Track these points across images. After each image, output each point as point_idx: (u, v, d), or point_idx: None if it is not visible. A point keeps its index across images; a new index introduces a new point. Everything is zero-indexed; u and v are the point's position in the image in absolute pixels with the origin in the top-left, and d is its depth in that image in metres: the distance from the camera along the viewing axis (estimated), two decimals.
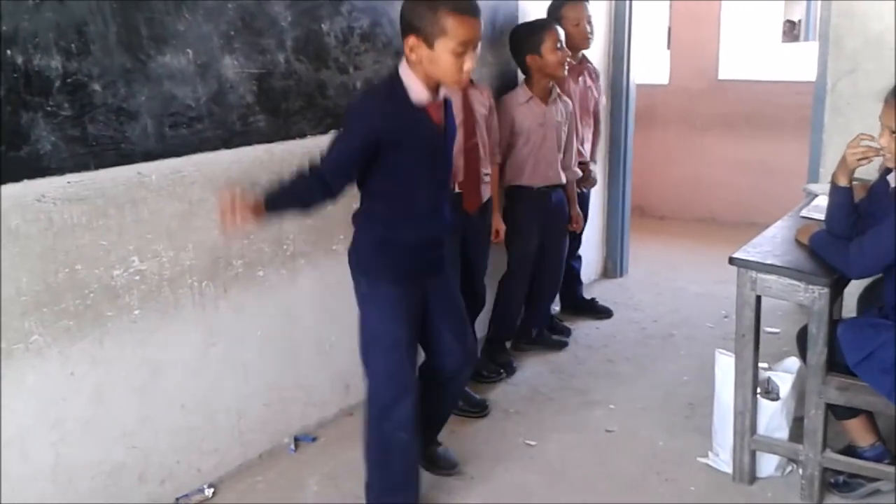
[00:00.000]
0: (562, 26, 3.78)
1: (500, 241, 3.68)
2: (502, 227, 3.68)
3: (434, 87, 2.35)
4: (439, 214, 2.51)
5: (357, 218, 2.53)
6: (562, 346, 4.12)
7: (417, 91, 2.32)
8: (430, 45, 2.23)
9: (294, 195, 2.41)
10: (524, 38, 3.68)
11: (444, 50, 2.22)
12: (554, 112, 3.77)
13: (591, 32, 4.02)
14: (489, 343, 3.91)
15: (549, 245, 3.91)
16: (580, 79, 4.11)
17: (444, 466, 2.96)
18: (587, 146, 4.20)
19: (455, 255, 3.17)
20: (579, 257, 4.57)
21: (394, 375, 2.49)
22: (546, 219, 3.84)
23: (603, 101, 4.46)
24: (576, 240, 4.42)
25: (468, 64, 2.25)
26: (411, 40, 2.25)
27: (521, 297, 3.91)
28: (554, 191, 3.85)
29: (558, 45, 3.61)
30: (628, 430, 3.28)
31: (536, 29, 3.67)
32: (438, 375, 2.68)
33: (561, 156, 3.84)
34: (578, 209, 4.09)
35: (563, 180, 3.87)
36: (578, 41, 3.96)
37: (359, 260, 2.52)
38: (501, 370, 3.76)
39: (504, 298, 3.89)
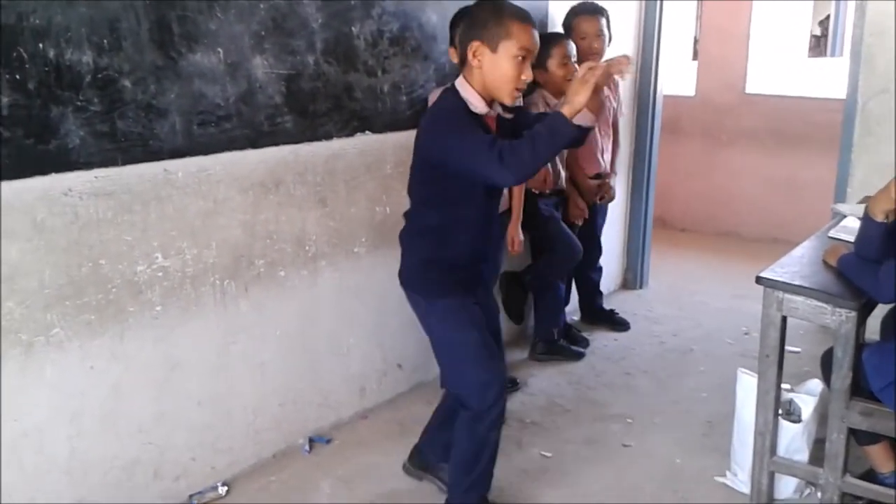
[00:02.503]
0: (573, 38, 3.83)
1: (516, 253, 3.58)
2: (519, 238, 3.55)
3: (489, 101, 2.38)
4: (490, 228, 2.55)
5: (405, 236, 2.56)
6: (579, 356, 4.09)
7: (476, 102, 2.36)
8: (494, 49, 2.29)
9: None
10: None
11: (506, 53, 2.29)
12: None
13: (602, 47, 3.94)
14: (544, 342, 4.03)
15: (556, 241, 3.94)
16: None
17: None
18: (606, 157, 4.16)
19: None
20: (600, 268, 4.54)
21: (484, 379, 2.50)
22: (551, 219, 3.87)
23: (623, 111, 4.41)
24: (596, 248, 4.41)
25: (526, 73, 2.32)
26: (475, 45, 2.31)
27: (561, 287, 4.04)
28: (558, 194, 3.90)
29: (565, 61, 3.59)
30: (645, 445, 3.25)
31: (544, 43, 3.54)
32: None
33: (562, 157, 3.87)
34: (582, 202, 4.06)
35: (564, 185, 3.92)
36: (582, 55, 3.91)
37: (410, 279, 2.56)
38: (517, 380, 3.74)
39: (547, 292, 3.98)
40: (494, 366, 2.54)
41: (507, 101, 2.38)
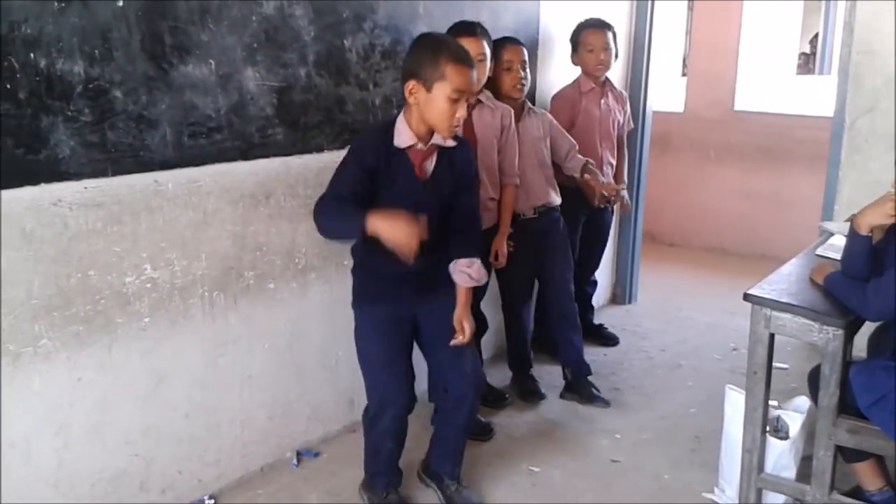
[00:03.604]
0: (580, 51, 3.93)
1: (499, 265, 3.48)
2: (503, 251, 3.45)
3: (426, 135, 2.50)
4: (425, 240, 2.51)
5: (353, 247, 2.72)
6: (603, 404, 3.74)
7: (402, 134, 2.49)
8: (429, 90, 2.40)
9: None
10: None
11: (441, 94, 2.39)
12: (529, 128, 3.61)
13: (609, 60, 4.00)
14: (514, 375, 3.91)
15: (549, 271, 3.74)
16: (602, 101, 4.11)
17: None
18: (607, 170, 4.15)
19: None
20: (594, 282, 4.56)
21: (376, 389, 2.71)
22: (540, 244, 3.67)
23: (632, 125, 4.44)
24: (594, 260, 4.43)
25: (461, 112, 2.43)
26: (411, 84, 2.44)
27: (523, 323, 3.84)
28: (545, 215, 3.69)
29: (508, 65, 3.47)
30: (633, 460, 3.25)
31: (493, 47, 3.42)
32: (446, 402, 2.78)
33: (547, 172, 3.68)
34: (603, 180, 3.81)
35: (553, 201, 3.70)
36: (590, 67, 4.01)
37: (352, 288, 2.74)
38: (506, 395, 3.73)
39: (509, 330, 3.87)
40: (386, 381, 2.68)
41: (446, 135, 2.50)
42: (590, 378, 3.83)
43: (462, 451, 2.90)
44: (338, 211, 2.42)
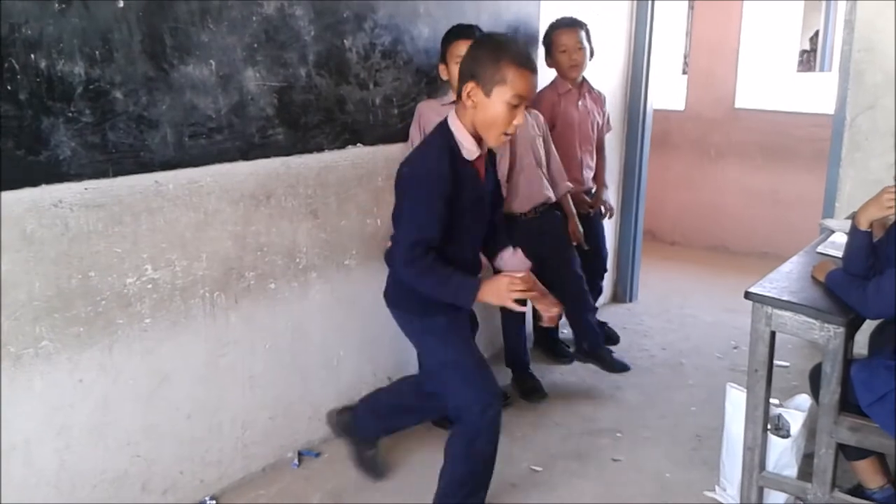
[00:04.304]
0: (553, 52, 3.91)
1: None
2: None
3: (479, 139, 2.40)
4: (467, 263, 2.52)
5: (389, 256, 2.57)
6: (623, 368, 3.95)
7: (469, 147, 2.38)
8: (488, 94, 2.29)
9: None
10: None
11: (499, 99, 2.28)
12: (527, 127, 3.60)
13: (583, 59, 3.94)
14: (514, 375, 3.91)
15: (553, 260, 3.72)
16: (579, 103, 4.04)
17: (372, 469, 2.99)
18: (587, 173, 4.12)
19: None
20: (600, 288, 4.56)
21: (476, 395, 2.51)
22: (540, 242, 3.62)
23: (610, 127, 4.39)
24: (599, 260, 4.40)
25: (518, 118, 2.32)
26: (470, 86, 2.32)
27: (517, 324, 3.85)
28: (544, 215, 3.71)
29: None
30: (635, 459, 3.25)
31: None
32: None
33: (545, 170, 3.70)
34: (578, 223, 3.92)
35: (552, 197, 3.72)
36: (564, 69, 3.96)
37: (398, 298, 2.59)
38: (507, 396, 3.73)
39: (506, 329, 3.87)
40: (491, 383, 2.55)
41: (493, 144, 2.43)
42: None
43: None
44: (442, 282, 2.35)
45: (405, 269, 2.37)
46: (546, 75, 3.96)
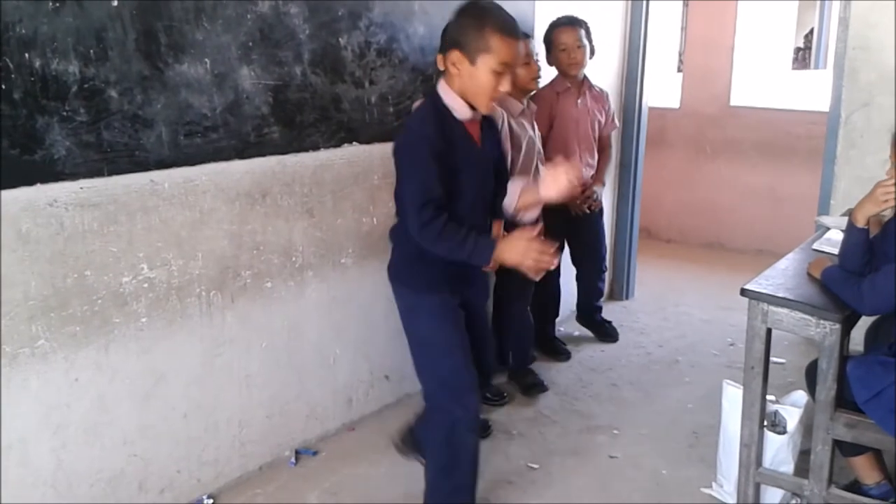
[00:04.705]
0: (553, 51, 3.96)
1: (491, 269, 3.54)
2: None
3: (471, 105, 2.39)
4: (482, 226, 2.50)
5: (395, 232, 2.56)
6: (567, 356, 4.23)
7: (460, 108, 2.38)
8: (473, 62, 2.29)
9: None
10: None
11: (485, 67, 2.28)
12: (527, 128, 3.62)
13: (583, 58, 3.96)
14: (513, 371, 3.90)
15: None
16: (578, 101, 4.05)
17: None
18: (587, 171, 4.12)
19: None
20: (604, 279, 4.61)
21: (453, 379, 2.49)
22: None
23: (616, 125, 4.41)
24: (598, 257, 4.44)
25: (505, 86, 2.32)
26: (454, 55, 2.32)
27: (528, 319, 3.88)
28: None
29: (527, 60, 3.50)
30: (632, 456, 3.25)
31: None
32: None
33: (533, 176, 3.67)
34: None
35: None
36: (563, 66, 3.97)
37: (399, 273, 2.57)
38: (505, 394, 3.73)
39: (515, 325, 3.85)
40: (461, 369, 2.50)
41: (484, 111, 2.41)
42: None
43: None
44: (458, 242, 2.29)
45: (421, 233, 2.30)
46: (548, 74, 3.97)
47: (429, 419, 2.60)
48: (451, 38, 2.33)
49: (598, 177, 4.24)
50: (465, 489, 2.60)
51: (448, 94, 2.37)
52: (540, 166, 3.65)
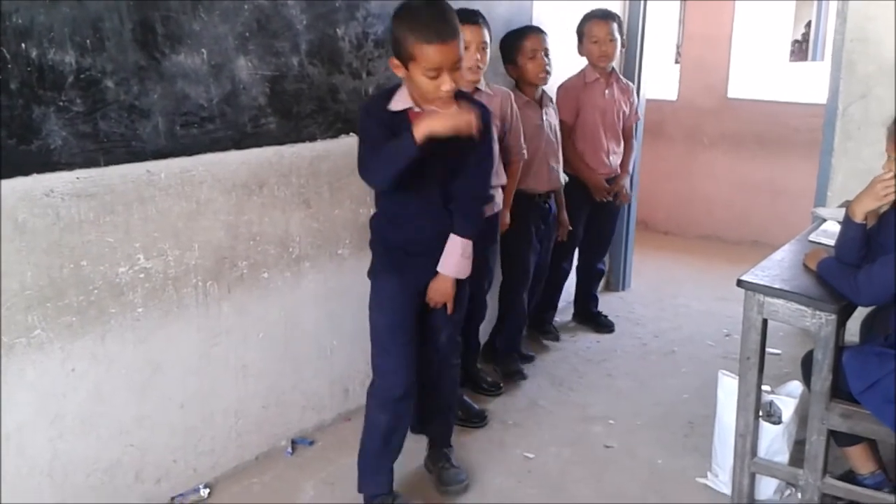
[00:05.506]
0: (585, 42, 4.05)
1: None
2: (505, 225, 3.54)
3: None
4: (427, 219, 2.55)
5: (370, 220, 2.69)
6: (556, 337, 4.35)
7: (397, 99, 2.46)
8: (406, 67, 2.36)
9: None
10: (503, 48, 3.68)
11: (416, 72, 2.33)
12: (550, 116, 3.79)
13: (614, 51, 4.06)
14: (499, 354, 3.92)
15: (541, 250, 3.93)
16: (606, 92, 4.14)
17: (449, 483, 2.93)
18: (613, 158, 4.22)
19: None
20: (602, 270, 4.71)
21: (390, 364, 2.64)
22: (543, 225, 3.86)
23: (638, 116, 4.51)
24: (603, 244, 4.56)
25: (445, 86, 2.32)
26: (393, 61, 2.41)
27: (524, 306, 3.89)
28: (550, 197, 3.87)
29: (533, 54, 3.59)
30: (627, 446, 3.26)
31: (512, 38, 3.66)
32: (429, 367, 2.79)
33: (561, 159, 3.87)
34: (566, 216, 4.03)
35: (562, 183, 3.91)
36: (594, 58, 4.07)
37: (371, 258, 2.70)
38: (500, 384, 3.74)
39: (511, 310, 3.87)
40: (400, 374, 2.64)
41: (438, 105, 2.38)
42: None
43: (447, 431, 3.02)
44: (384, 150, 2.37)
45: (364, 173, 2.47)
46: (560, 65, 3.98)
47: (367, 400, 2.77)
48: (390, 45, 2.41)
49: (625, 168, 4.34)
50: (381, 473, 2.75)
51: (401, 89, 2.46)
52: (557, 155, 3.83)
